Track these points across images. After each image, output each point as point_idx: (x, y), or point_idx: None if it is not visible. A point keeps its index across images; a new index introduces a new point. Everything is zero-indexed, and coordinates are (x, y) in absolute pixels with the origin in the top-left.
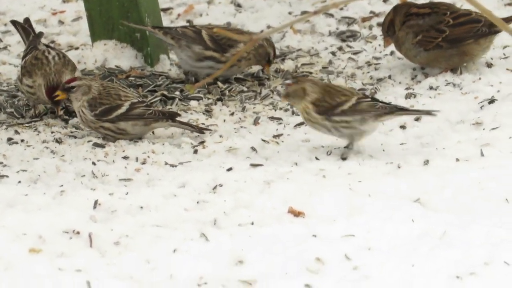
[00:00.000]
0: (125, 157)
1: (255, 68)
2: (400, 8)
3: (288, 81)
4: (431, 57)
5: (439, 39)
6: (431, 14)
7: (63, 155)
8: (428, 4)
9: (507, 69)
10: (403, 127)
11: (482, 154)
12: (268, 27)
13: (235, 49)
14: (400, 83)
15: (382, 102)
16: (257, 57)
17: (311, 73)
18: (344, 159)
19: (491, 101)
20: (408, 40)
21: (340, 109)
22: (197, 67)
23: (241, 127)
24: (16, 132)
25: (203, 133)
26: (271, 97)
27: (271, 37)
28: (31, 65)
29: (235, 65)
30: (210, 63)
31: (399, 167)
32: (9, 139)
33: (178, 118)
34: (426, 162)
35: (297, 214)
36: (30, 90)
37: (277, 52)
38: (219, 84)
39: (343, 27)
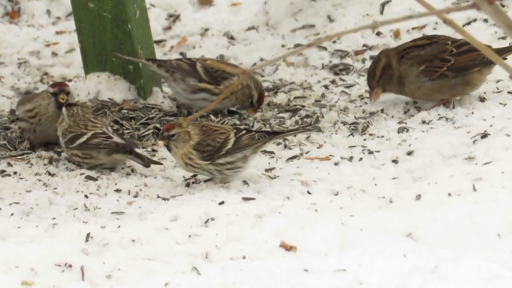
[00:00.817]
0: (118, 190)
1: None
2: (388, 51)
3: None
4: (435, 87)
5: (444, 68)
6: (431, 44)
7: (55, 188)
8: (422, 37)
9: (500, 103)
10: (395, 161)
11: (474, 189)
12: (261, 59)
13: (229, 81)
14: (392, 117)
15: (256, 131)
16: (243, 97)
17: (303, 106)
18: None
19: (484, 135)
20: (411, 72)
21: (225, 150)
22: (191, 99)
23: None
24: (9, 164)
25: (149, 166)
26: None
27: (263, 71)
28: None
29: (228, 98)
30: (204, 95)
31: (391, 202)
32: (2, 171)
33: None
34: (418, 197)
35: (289, 248)
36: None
37: (270, 85)
38: (212, 117)
39: (336, 60)
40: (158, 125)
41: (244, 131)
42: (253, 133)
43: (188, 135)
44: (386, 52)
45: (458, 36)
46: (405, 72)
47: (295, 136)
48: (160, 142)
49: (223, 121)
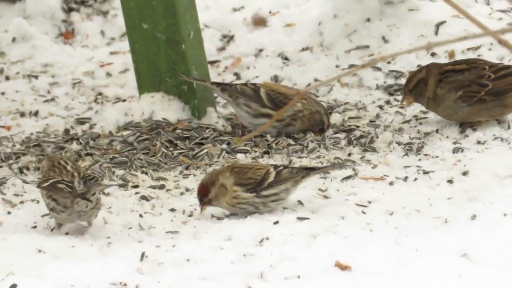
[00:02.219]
0: (172, 210)
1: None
2: (431, 67)
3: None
4: (474, 111)
5: (481, 93)
6: (470, 70)
7: (110, 207)
8: (462, 61)
9: None
10: (450, 181)
11: None
12: (315, 80)
13: (292, 107)
14: (447, 137)
15: (292, 167)
16: (311, 121)
17: (358, 126)
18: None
19: None
20: (449, 97)
21: (267, 183)
22: (254, 124)
23: None
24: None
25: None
26: (318, 151)
27: (318, 91)
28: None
29: (291, 125)
30: (266, 120)
31: (446, 222)
32: None
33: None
34: (474, 217)
35: (343, 267)
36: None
37: (324, 105)
38: (267, 137)
39: (390, 81)
40: (211, 145)
41: (282, 167)
42: (291, 168)
43: (224, 187)
44: (430, 67)
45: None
46: (442, 97)
47: (329, 172)
48: (203, 210)
49: (277, 141)
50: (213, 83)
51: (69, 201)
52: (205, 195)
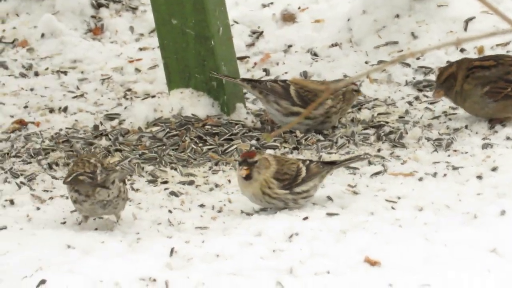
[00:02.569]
0: (201, 205)
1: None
2: (461, 62)
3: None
4: (500, 107)
5: (508, 89)
6: (497, 66)
7: (139, 203)
8: (491, 57)
9: None
10: (479, 177)
11: None
12: (345, 76)
13: (322, 105)
14: (476, 133)
15: (317, 161)
16: (348, 101)
17: (387, 122)
18: None
19: None
20: (475, 92)
21: (300, 178)
22: (284, 123)
23: None
24: None
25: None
26: (347, 146)
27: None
28: None
29: (327, 122)
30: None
31: (475, 217)
32: None
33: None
34: (503, 212)
35: (373, 263)
36: None
37: (354, 102)
38: (296, 133)
39: (419, 77)
40: (241, 141)
41: (309, 161)
42: (316, 162)
43: (268, 162)
44: (460, 62)
45: None
46: (469, 92)
47: (349, 166)
48: (244, 170)
49: (306, 137)
50: (243, 79)
51: (90, 190)
52: (250, 156)
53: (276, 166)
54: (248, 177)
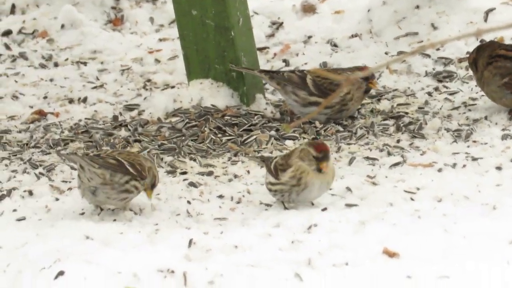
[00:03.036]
0: (220, 196)
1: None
2: (484, 49)
3: None
4: None
5: None
6: None
7: (158, 194)
8: None
9: None
10: (498, 168)
11: None
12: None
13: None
14: (496, 124)
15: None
16: (360, 94)
17: (407, 113)
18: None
19: None
20: (494, 82)
21: None
22: (303, 113)
23: (337, 167)
24: None
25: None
26: (367, 137)
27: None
28: None
29: (344, 110)
30: (315, 109)
31: (494, 208)
32: None
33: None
34: None
35: (392, 254)
36: None
37: (373, 92)
38: (316, 123)
39: (439, 68)
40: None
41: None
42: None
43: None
44: (481, 49)
45: None
46: (488, 80)
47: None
48: (326, 168)
49: (326, 127)
50: (261, 71)
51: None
52: (327, 150)
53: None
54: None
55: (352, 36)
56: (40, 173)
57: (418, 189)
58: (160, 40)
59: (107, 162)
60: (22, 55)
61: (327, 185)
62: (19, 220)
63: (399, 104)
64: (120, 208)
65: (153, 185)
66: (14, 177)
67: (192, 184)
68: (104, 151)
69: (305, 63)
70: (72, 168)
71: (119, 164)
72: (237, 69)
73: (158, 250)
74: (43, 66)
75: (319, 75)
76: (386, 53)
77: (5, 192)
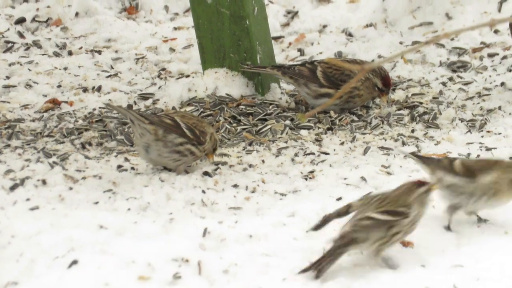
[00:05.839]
0: (235, 186)
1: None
2: None
3: None
4: None
5: None
6: None
7: (173, 183)
8: None
9: None
10: None
11: None
12: (379, 56)
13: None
14: (510, 114)
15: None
16: (367, 90)
17: (421, 103)
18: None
19: None
20: None
21: None
22: (316, 104)
23: (352, 156)
24: (126, 159)
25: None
26: (381, 127)
27: (382, 66)
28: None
29: (351, 102)
30: (327, 100)
31: None
32: (119, 166)
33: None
34: None
35: (406, 244)
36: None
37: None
38: (331, 113)
39: (454, 58)
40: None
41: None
42: None
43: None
44: None
45: None
46: None
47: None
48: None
49: (340, 117)
50: (273, 67)
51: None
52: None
53: None
54: None
55: (367, 25)
56: (54, 162)
57: None
58: (175, 28)
59: (162, 121)
60: (36, 43)
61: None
62: (32, 209)
63: (413, 94)
64: (174, 170)
65: (214, 149)
66: (28, 166)
67: (206, 174)
68: (166, 111)
69: (320, 53)
70: (86, 157)
71: (175, 125)
72: (249, 69)
73: (172, 240)
74: (57, 54)
75: (330, 66)
76: (400, 43)
77: (18, 181)
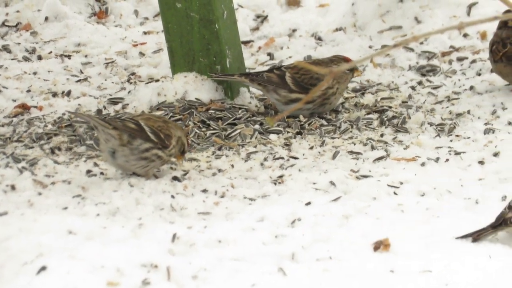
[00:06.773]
0: (204, 191)
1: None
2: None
3: None
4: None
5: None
6: (508, 28)
7: (142, 188)
8: None
9: None
10: (481, 162)
11: None
12: None
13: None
14: (479, 118)
15: None
16: (341, 79)
17: (390, 107)
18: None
19: None
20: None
21: None
22: (287, 110)
23: (321, 161)
24: (95, 164)
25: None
26: (351, 131)
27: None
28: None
29: (327, 103)
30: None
31: (477, 203)
32: (88, 171)
33: None
34: (504, 198)
35: (385, 247)
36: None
37: (357, 86)
38: (300, 117)
39: (423, 62)
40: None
41: None
42: None
43: None
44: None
45: None
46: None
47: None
48: None
49: (310, 121)
50: (241, 74)
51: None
52: None
53: None
54: None
55: (337, 29)
56: (23, 167)
57: (401, 183)
58: (145, 33)
59: (125, 126)
60: (5, 48)
61: None
62: (1, 214)
63: (382, 98)
64: (143, 176)
65: (183, 152)
66: None
67: (176, 178)
68: (131, 114)
69: (290, 57)
70: (56, 162)
71: (139, 129)
72: (217, 78)
73: (142, 245)
74: (26, 59)
75: (298, 71)
76: (370, 47)
77: None
